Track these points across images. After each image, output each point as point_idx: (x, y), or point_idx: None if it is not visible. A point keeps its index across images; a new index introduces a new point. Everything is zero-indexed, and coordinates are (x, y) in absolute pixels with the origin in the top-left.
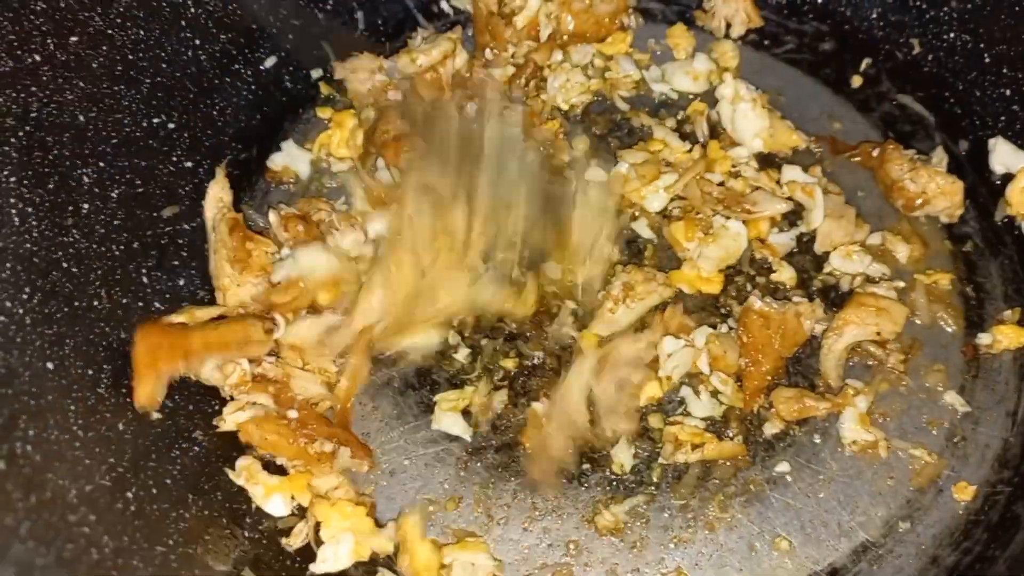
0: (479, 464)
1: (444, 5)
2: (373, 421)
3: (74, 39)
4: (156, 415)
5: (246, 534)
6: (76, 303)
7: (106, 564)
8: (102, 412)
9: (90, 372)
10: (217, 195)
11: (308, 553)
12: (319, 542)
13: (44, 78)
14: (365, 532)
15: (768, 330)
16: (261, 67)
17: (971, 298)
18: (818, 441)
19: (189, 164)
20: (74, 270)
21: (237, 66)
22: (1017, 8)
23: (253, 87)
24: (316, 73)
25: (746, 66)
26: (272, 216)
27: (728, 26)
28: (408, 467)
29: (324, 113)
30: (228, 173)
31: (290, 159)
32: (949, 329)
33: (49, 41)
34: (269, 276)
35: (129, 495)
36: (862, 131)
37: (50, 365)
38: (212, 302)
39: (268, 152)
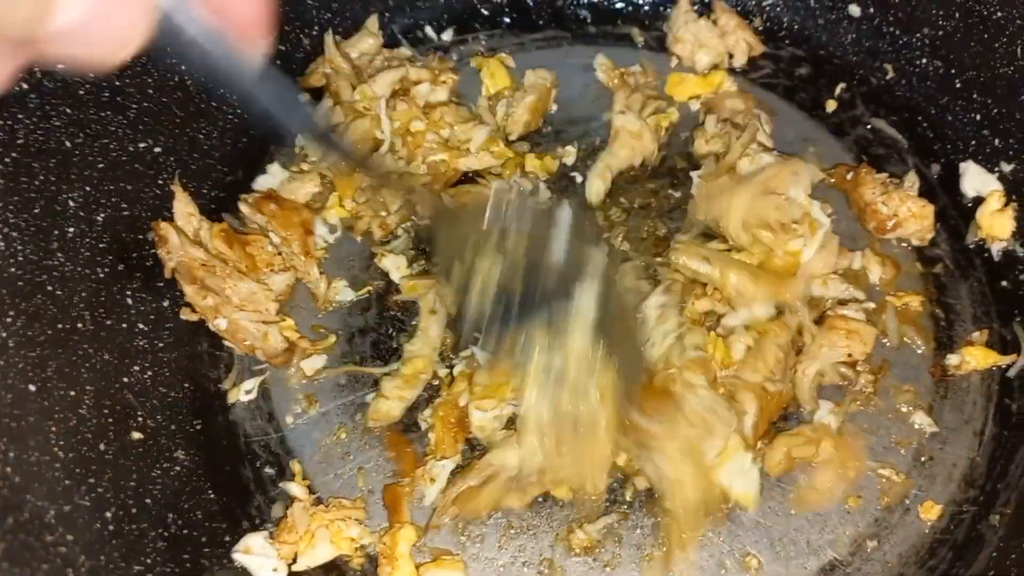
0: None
1: (428, 30)
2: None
3: (61, 66)
4: (137, 435)
5: (224, 552)
6: (60, 325)
7: None
8: (83, 433)
9: (72, 393)
10: (184, 211)
11: None
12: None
13: (31, 105)
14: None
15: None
16: None
17: (941, 319)
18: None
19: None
20: (58, 293)
21: (223, 91)
22: (987, 36)
23: (239, 111)
24: (303, 97)
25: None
26: (243, 207)
27: (730, 56)
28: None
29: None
30: (214, 196)
31: (275, 182)
32: (919, 350)
33: (36, 69)
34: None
35: (108, 515)
36: (836, 154)
37: (32, 387)
38: (200, 322)
39: (254, 175)
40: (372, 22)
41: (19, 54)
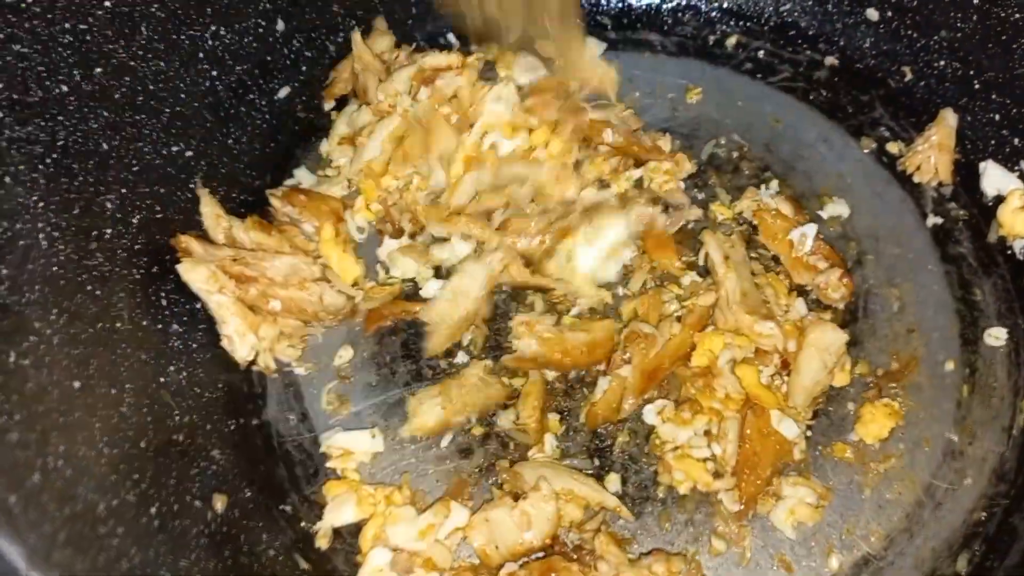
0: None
1: (451, 37)
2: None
3: (99, 70)
4: (175, 434)
5: (263, 551)
6: (100, 324)
7: (135, 574)
8: (125, 431)
9: (113, 391)
10: (213, 213)
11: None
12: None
13: (71, 107)
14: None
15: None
16: (275, 97)
17: (965, 316)
18: (819, 456)
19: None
20: (98, 292)
21: (252, 96)
22: (1004, 37)
23: (267, 116)
24: (328, 105)
25: (743, 94)
26: (273, 200)
27: (917, 169)
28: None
29: (333, 143)
30: (243, 199)
31: (303, 186)
32: (944, 347)
33: (75, 72)
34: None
35: (152, 510)
36: (856, 156)
37: (76, 384)
38: None
39: (281, 179)
40: (380, 21)
41: None
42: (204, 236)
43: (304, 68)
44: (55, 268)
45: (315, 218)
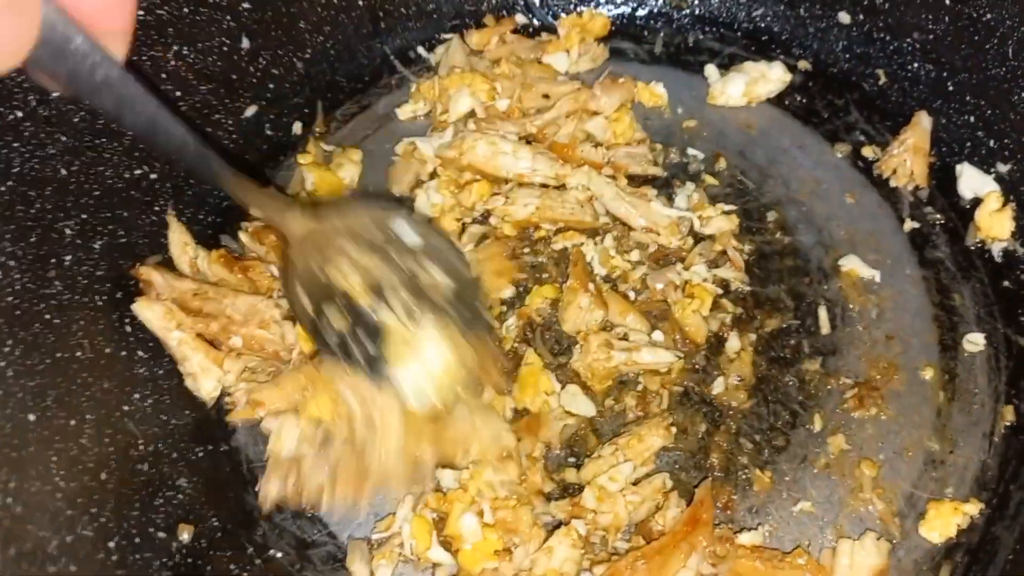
0: None
1: (420, 50)
2: None
3: (55, 94)
4: (139, 464)
5: None
6: (58, 354)
7: None
8: (84, 463)
9: (72, 423)
10: (180, 241)
11: None
12: None
13: (26, 133)
14: None
15: None
16: (241, 116)
17: (944, 322)
18: (798, 466)
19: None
20: (56, 321)
21: (218, 116)
22: (977, 38)
23: (234, 136)
24: (297, 126)
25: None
26: (243, 236)
27: (893, 173)
28: None
29: (304, 160)
30: (211, 221)
31: None
32: (923, 354)
33: (31, 97)
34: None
35: (111, 544)
36: (831, 161)
37: (32, 416)
38: None
39: None
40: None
41: None
42: (168, 262)
43: (271, 86)
44: (10, 298)
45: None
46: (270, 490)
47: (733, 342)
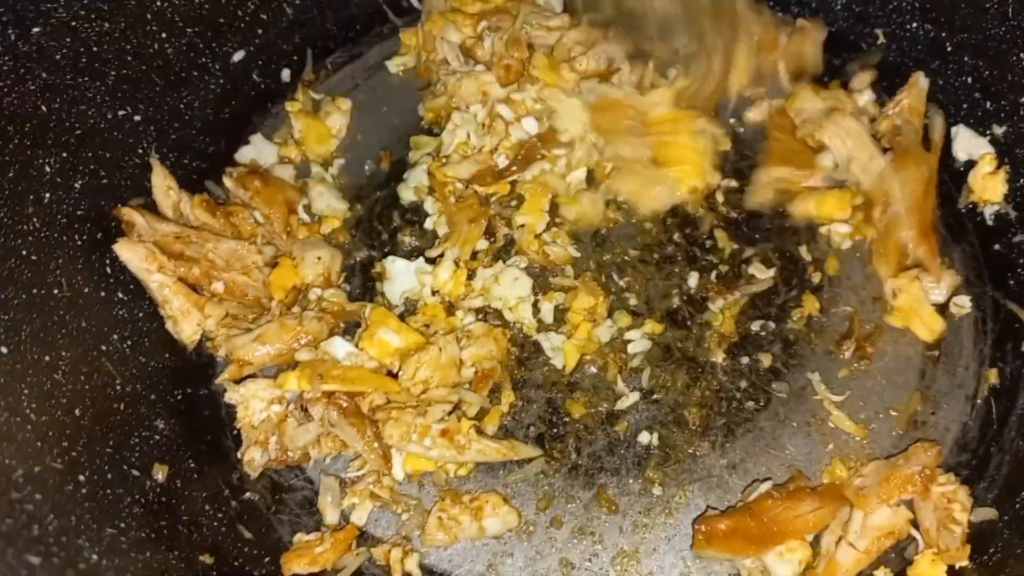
0: None
1: (413, 0)
2: None
3: (36, 30)
4: (115, 403)
5: (205, 521)
6: (35, 290)
7: (47, 540)
8: (58, 397)
9: (47, 358)
10: (164, 185)
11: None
12: None
13: (5, 68)
14: None
15: None
16: (229, 61)
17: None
18: (778, 424)
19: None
20: (33, 257)
21: (205, 60)
22: None
23: (221, 81)
24: (285, 73)
25: None
26: (227, 181)
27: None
28: None
29: (293, 107)
30: (195, 166)
31: (258, 152)
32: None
33: (10, 31)
34: (260, 247)
35: (81, 478)
36: None
37: (4, 349)
38: None
39: (236, 146)
40: None
41: None
42: (151, 205)
43: (260, 31)
44: None
45: (266, 206)
46: (253, 457)
47: (717, 300)
